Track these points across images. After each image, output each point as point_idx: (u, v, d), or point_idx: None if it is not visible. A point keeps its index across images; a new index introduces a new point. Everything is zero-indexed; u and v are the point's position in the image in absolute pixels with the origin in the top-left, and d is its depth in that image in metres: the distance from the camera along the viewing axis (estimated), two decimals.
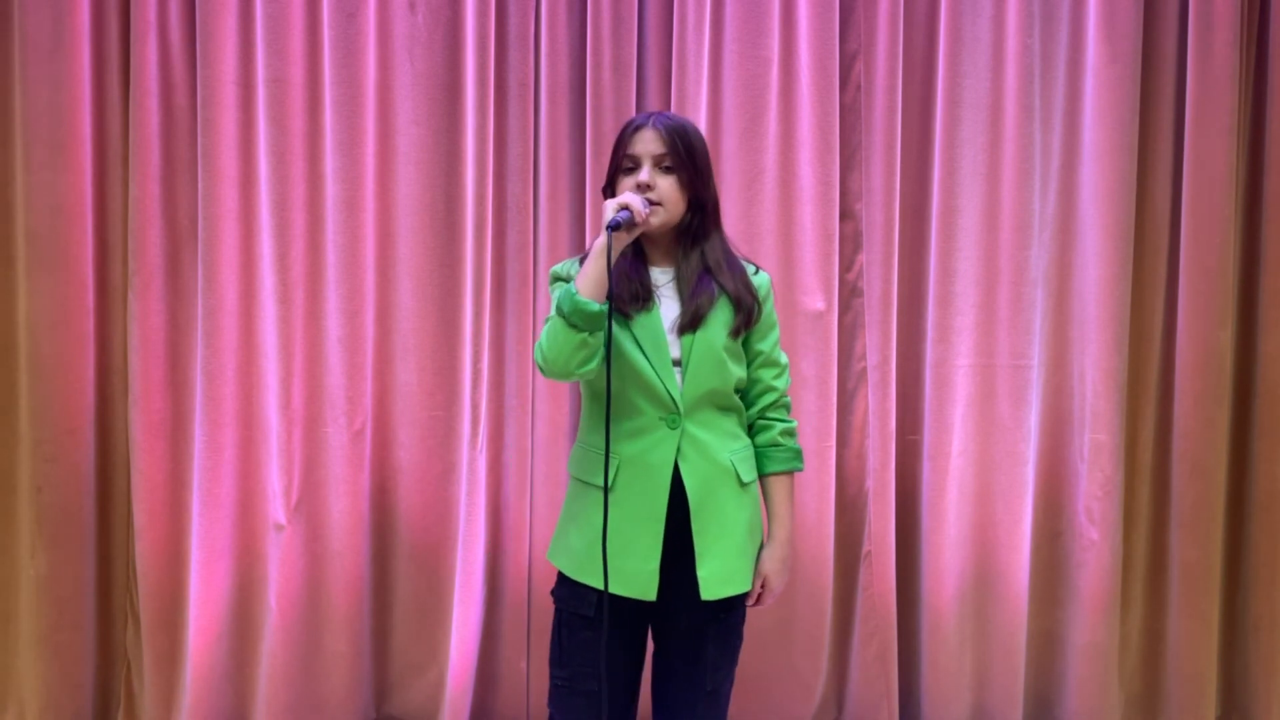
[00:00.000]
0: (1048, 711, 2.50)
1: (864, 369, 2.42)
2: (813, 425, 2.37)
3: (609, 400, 1.57)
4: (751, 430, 1.73)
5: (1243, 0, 2.35)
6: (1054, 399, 2.44)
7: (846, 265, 2.41)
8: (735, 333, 1.65)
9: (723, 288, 1.65)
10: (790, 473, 1.73)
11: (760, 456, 1.72)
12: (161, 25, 2.27)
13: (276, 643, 2.31)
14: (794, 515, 1.75)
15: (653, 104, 2.39)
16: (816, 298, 2.36)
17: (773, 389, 1.72)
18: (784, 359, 1.75)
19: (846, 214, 2.40)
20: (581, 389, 1.73)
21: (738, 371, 1.68)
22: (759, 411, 1.73)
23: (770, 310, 1.72)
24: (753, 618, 2.38)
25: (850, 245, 2.41)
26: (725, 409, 1.68)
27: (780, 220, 2.37)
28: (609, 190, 1.69)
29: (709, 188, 1.68)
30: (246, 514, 2.34)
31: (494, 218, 2.34)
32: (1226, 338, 2.38)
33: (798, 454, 1.74)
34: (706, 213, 1.68)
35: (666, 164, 1.62)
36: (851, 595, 2.45)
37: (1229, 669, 2.52)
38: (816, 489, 2.38)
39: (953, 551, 2.42)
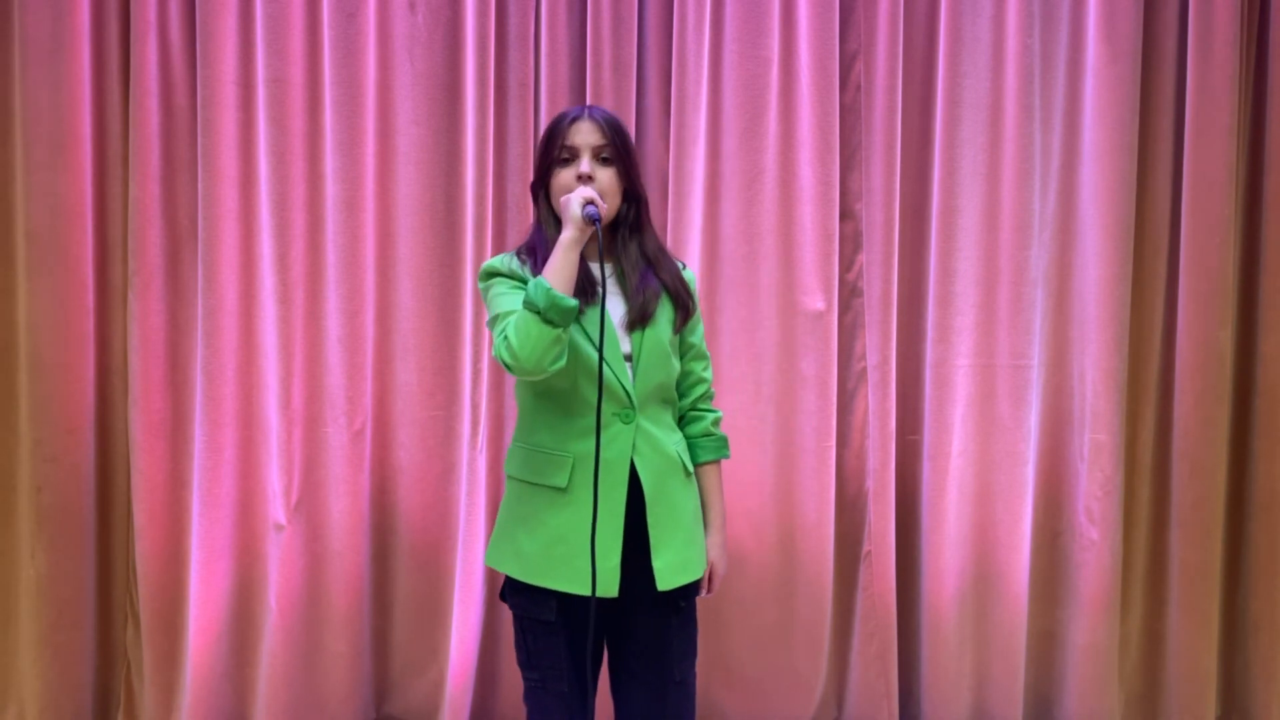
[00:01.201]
0: (1048, 711, 2.50)
1: (864, 369, 2.42)
2: (813, 425, 2.37)
3: (600, 393, 1.56)
4: (683, 421, 1.77)
5: (1243, 0, 2.35)
6: (1054, 399, 2.44)
7: (846, 265, 2.41)
8: (677, 328, 1.69)
9: (662, 283, 1.68)
10: (720, 461, 1.79)
11: (694, 446, 1.76)
12: (161, 25, 2.27)
13: (276, 643, 2.31)
14: (725, 501, 1.82)
15: (653, 104, 2.39)
16: (816, 298, 2.36)
17: (703, 380, 1.78)
18: (708, 353, 1.80)
19: (846, 214, 2.40)
20: (520, 390, 1.71)
21: (678, 365, 1.72)
22: (691, 403, 1.77)
23: (697, 304, 1.77)
24: (752, 617, 2.40)
25: (850, 245, 2.41)
26: (667, 402, 1.71)
27: (780, 220, 2.37)
28: (541, 185, 1.68)
29: (640, 180, 1.70)
30: (246, 514, 2.34)
31: (494, 218, 2.34)
32: (1226, 338, 2.38)
33: (725, 442, 1.80)
34: (641, 205, 1.70)
35: (605, 155, 1.63)
36: (851, 595, 2.45)
37: (1229, 669, 2.52)
38: (816, 489, 2.38)
39: (953, 551, 2.42)
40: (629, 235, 1.69)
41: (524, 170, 2.35)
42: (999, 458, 2.41)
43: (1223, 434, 2.40)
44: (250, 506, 2.34)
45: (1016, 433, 2.41)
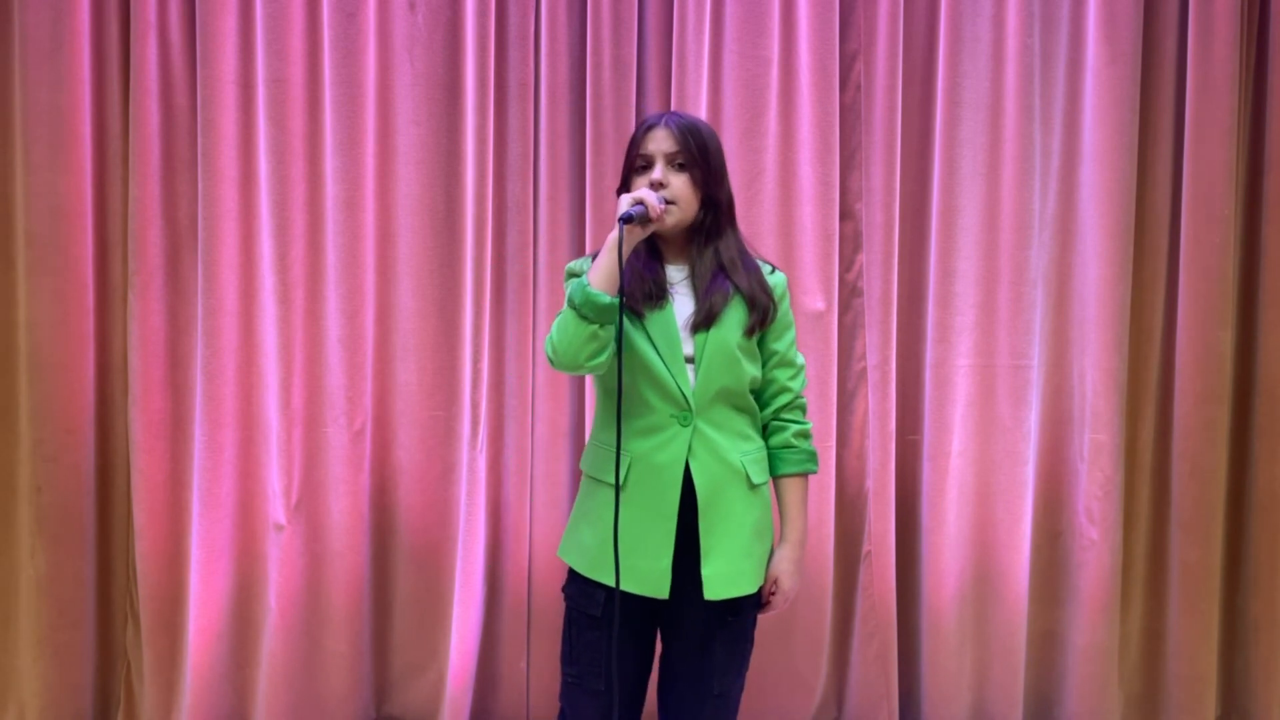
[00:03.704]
0: (1048, 711, 2.50)
1: (864, 369, 2.42)
2: (813, 425, 2.37)
3: (620, 397, 1.57)
4: (765, 431, 1.72)
5: (1243, 0, 2.35)
6: (1054, 399, 2.44)
7: (846, 265, 2.41)
8: (750, 331, 1.64)
9: (737, 286, 1.65)
10: (804, 474, 1.73)
11: (773, 458, 1.71)
12: (161, 25, 2.27)
13: (276, 643, 2.31)
14: (807, 518, 1.74)
15: (652, 104, 2.39)
16: (816, 298, 2.36)
17: (788, 389, 1.71)
18: (800, 360, 1.74)
19: (846, 214, 2.40)
20: (595, 387, 1.73)
21: (752, 370, 1.67)
22: (773, 412, 1.72)
23: (787, 310, 1.72)
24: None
25: (850, 245, 2.41)
26: (739, 409, 1.67)
27: (780, 220, 2.37)
28: (624, 190, 1.69)
29: (723, 186, 1.67)
30: (246, 514, 2.34)
31: (494, 218, 2.34)
32: (1226, 338, 2.38)
33: (812, 456, 1.73)
34: (720, 211, 1.67)
35: (679, 161, 1.63)
36: (851, 595, 2.45)
37: (1229, 669, 2.52)
38: (816, 489, 2.38)
39: (953, 551, 2.42)
40: (705, 241, 1.67)
41: (524, 170, 2.35)
42: (999, 458, 2.41)
43: (1223, 434, 2.40)
44: (250, 506, 2.34)
45: (1016, 433, 2.41)
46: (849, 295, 2.41)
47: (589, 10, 2.32)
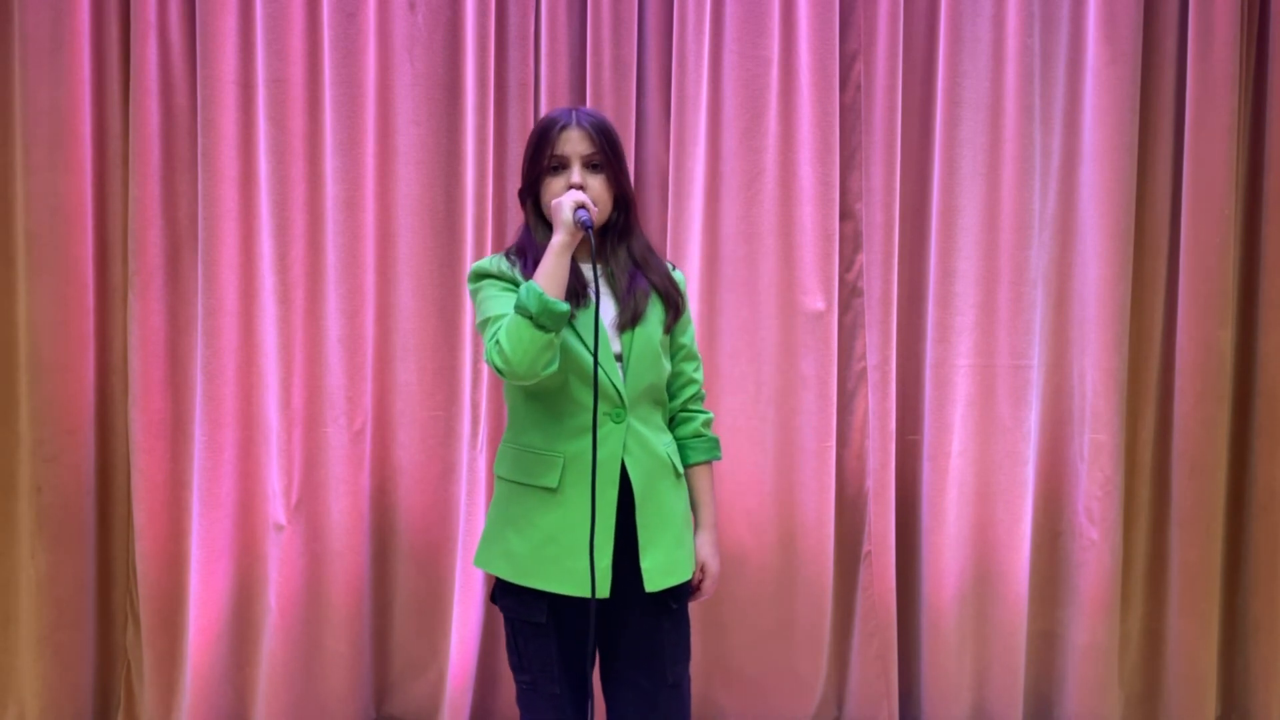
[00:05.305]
0: (1048, 711, 2.50)
1: (864, 369, 2.42)
2: (813, 425, 2.37)
3: (595, 396, 1.56)
4: (673, 422, 1.77)
5: (1243, 0, 2.35)
6: (1054, 399, 2.44)
7: (846, 265, 2.41)
8: (668, 328, 1.69)
9: (652, 283, 1.69)
10: (710, 463, 1.79)
11: (684, 448, 1.75)
12: (161, 25, 2.27)
13: (276, 643, 2.31)
14: (715, 502, 1.80)
15: (653, 104, 2.39)
16: (816, 298, 2.36)
17: (694, 381, 1.78)
18: (699, 354, 1.80)
19: (846, 214, 2.40)
20: (510, 390, 1.70)
21: (668, 365, 1.72)
22: (682, 404, 1.77)
23: (688, 305, 1.78)
24: (752, 617, 2.40)
25: (850, 245, 2.41)
26: (657, 403, 1.71)
27: (780, 220, 2.37)
28: (530, 193, 1.68)
29: (629, 182, 1.70)
30: (246, 514, 2.34)
31: (494, 218, 2.34)
32: (1226, 338, 2.38)
33: (717, 444, 1.79)
34: (629, 208, 1.70)
35: (595, 162, 1.63)
36: (851, 595, 2.45)
37: (1229, 669, 2.51)
38: (816, 489, 2.38)
39: (953, 551, 2.42)
40: (618, 239, 1.70)
41: None
42: (999, 458, 2.41)
43: (1223, 434, 2.40)
44: (250, 506, 2.34)
45: (1016, 433, 2.41)
46: (849, 295, 2.41)
47: (589, 10, 2.32)
